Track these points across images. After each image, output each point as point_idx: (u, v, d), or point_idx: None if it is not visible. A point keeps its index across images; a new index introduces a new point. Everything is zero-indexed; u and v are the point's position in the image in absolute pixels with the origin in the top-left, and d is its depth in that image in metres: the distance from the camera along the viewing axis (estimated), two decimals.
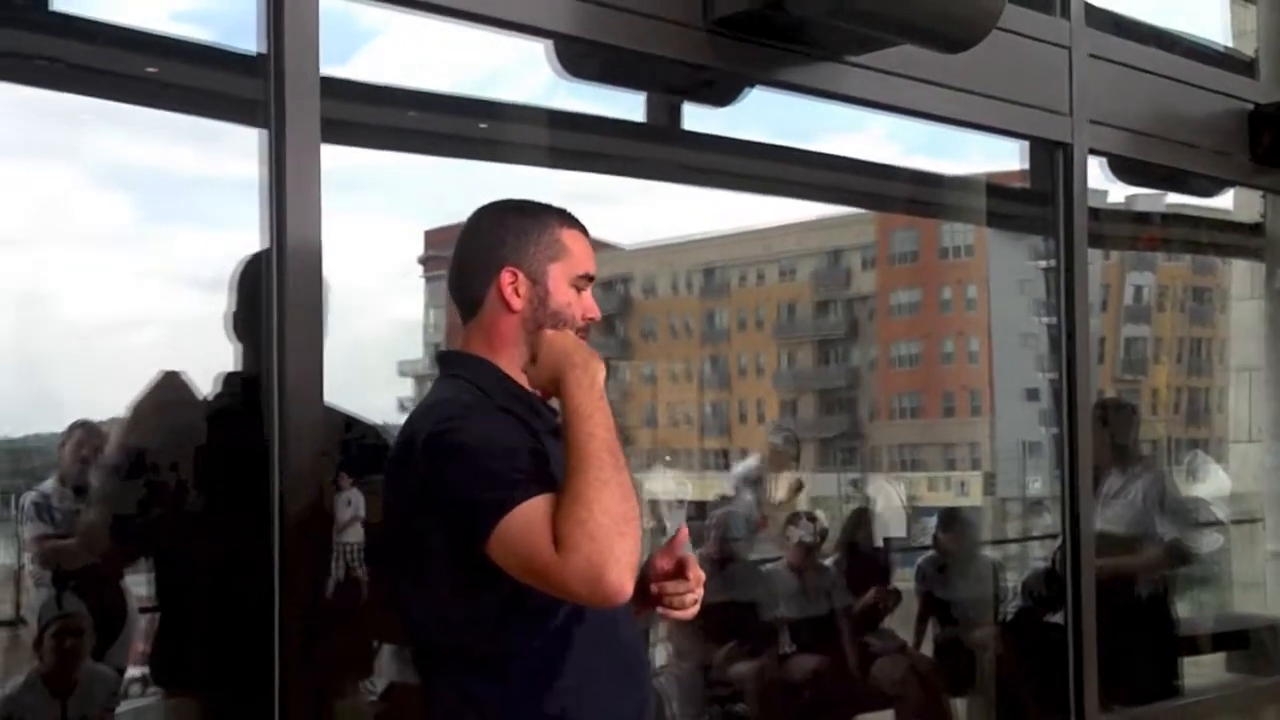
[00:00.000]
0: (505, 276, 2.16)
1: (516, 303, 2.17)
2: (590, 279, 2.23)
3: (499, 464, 1.96)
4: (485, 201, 2.28)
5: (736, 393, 29.62)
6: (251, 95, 2.61)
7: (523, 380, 2.18)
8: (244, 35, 2.68)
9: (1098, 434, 5.08)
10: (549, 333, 2.14)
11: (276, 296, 2.51)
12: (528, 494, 1.93)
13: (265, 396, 2.52)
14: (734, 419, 29.94)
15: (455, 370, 2.19)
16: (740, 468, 7.34)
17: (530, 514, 1.92)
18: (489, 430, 2.01)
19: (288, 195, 2.51)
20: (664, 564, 2.20)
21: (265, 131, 2.55)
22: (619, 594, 1.89)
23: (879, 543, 6.36)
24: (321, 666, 2.55)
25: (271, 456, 2.48)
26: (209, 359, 2.92)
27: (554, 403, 2.14)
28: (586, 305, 2.22)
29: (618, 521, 1.89)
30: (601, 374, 2.06)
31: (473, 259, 2.22)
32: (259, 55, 2.58)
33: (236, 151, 2.79)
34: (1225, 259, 8.88)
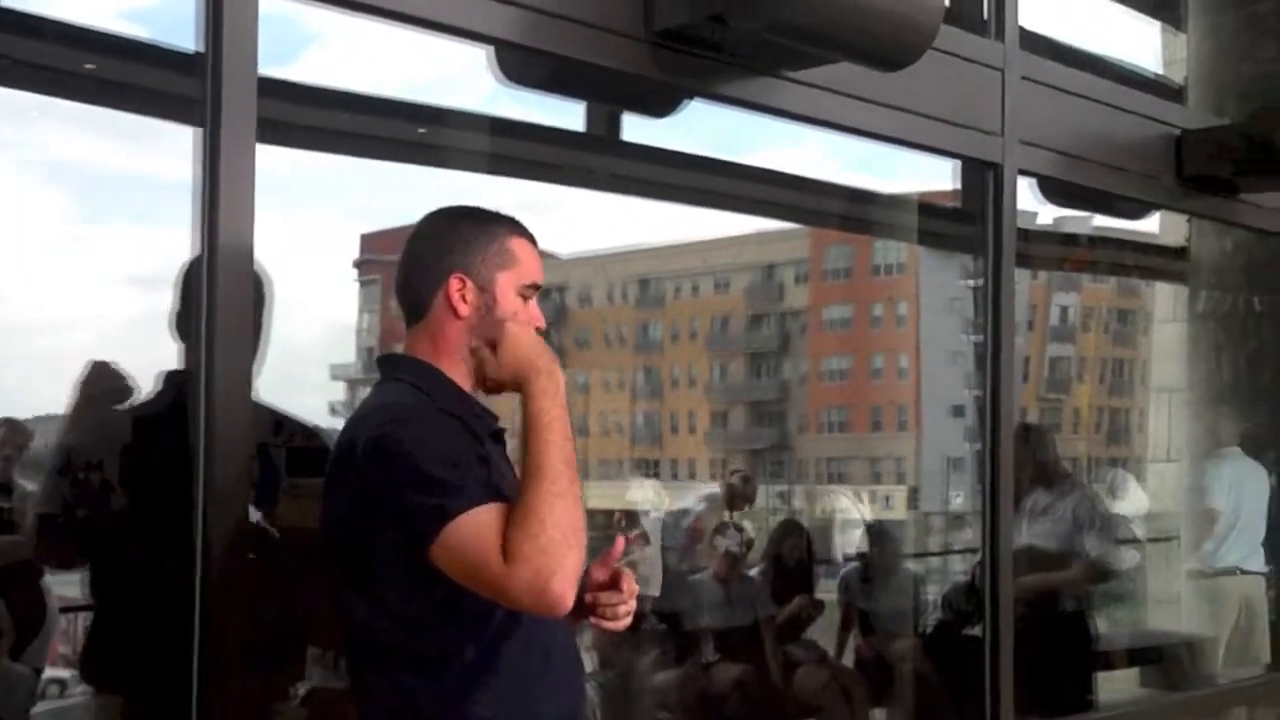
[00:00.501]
0: (453, 283, 2.17)
1: (463, 309, 2.17)
2: (537, 288, 2.24)
3: (443, 469, 1.96)
4: (423, 206, 2.29)
5: (669, 403, 29.71)
6: (189, 94, 2.59)
7: (466, 384, 2.19)
8: (183, 34, 2.67)
9: (1021, 452, 5.17)
10: (512, 326, 2.13)
11: (207, 296, 2.50)
12: (473, 501, 1.94)
13: (193, 395, 2.50)
14: (665, 429, 30.01)
15: (398, 373, 2.19)
16: (694, 501, 7.36)
17: (478, 523, 1.92)
18: (433, 434, 2.02)
19: (221, 194, 2.49)
20: (600, 575, 2.21)
21: (201, 130, 2.54)
22: (562, 606, 1.91)
23: (808, 555, 6.40)
24: (245, 669, 2.53)
25: (197, 456, 2.46)
26: (142, 356, 2.90)
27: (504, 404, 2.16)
28: (532, 314, 2.22)
29: (568, 535, 1.91)
30: (563, 380, 2.07)
31: (421, 263, 2.21)
32: (197, 54, 2.57)
33: (173, 150, 2.78)
34: (1149, 282, 9.05)
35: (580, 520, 1.95)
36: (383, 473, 1.99)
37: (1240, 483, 6.34)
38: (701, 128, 4.27)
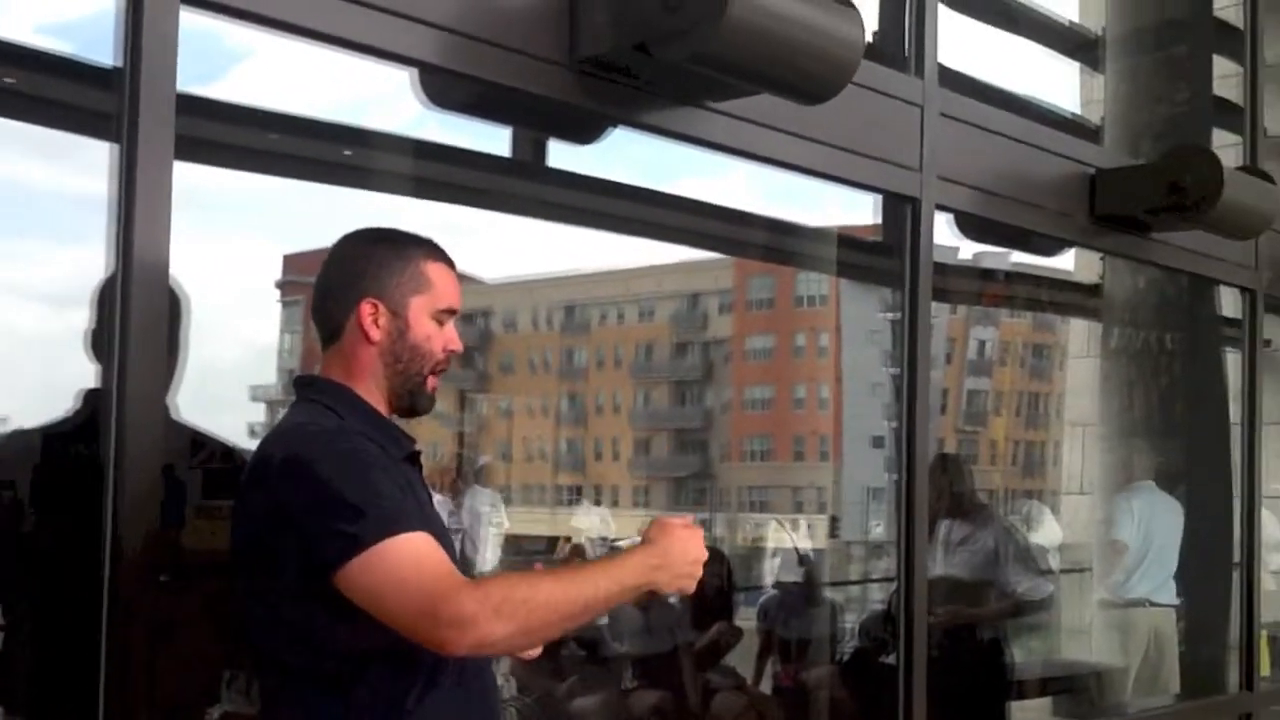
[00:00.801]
0: (365, 308, 2.17)
1: (375, 334, 2.17)
2: (453, 312, 2.24)
3: (358, 495, 1.95)
4: (348, 229, 2.29)
5: (593, 430, 29.69)
6: (107, 109, 2.57)
7: (381, 407, 2.19)
8: (102, 48, 2.65)
9: (937, 482, 5.23)
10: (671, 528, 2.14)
11: (120, 313, 2.47)
12: (398, 528, 1.93)
13: (104, 414, 2.47)
14: (589, 455, 29.97)
15: (313, 395, 2.19)
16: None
17: (410, 550, 1.93)
18: (347, 458, 2.01)
19: (137, 211, 2.47)
20: None
21: (117, 146, 2.51)
22: (453, 653, 1.95)
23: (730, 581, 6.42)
24: (154, 691, 2.50)
25: (106, 474, 2.43)
26: (53, 375, 2.86)
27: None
28: (448, 338, 2.23)
29: (533, 632, 1.98)
30: (676, 587, 2.12)
31: (335, 287, 2.21)
32: (114, 69, 2.54)
33: (89, 166, 2.75)
34: (1064, 318, 9.21)
35: (548, 636, 2.02)
36: (295, 491, 1.98)
37: (1151, 516, 6.44)
38: (627, 156, 4.30)
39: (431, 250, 2.24)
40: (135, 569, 2.42)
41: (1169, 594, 6.38)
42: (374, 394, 2.18)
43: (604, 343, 29.21)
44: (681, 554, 2.11)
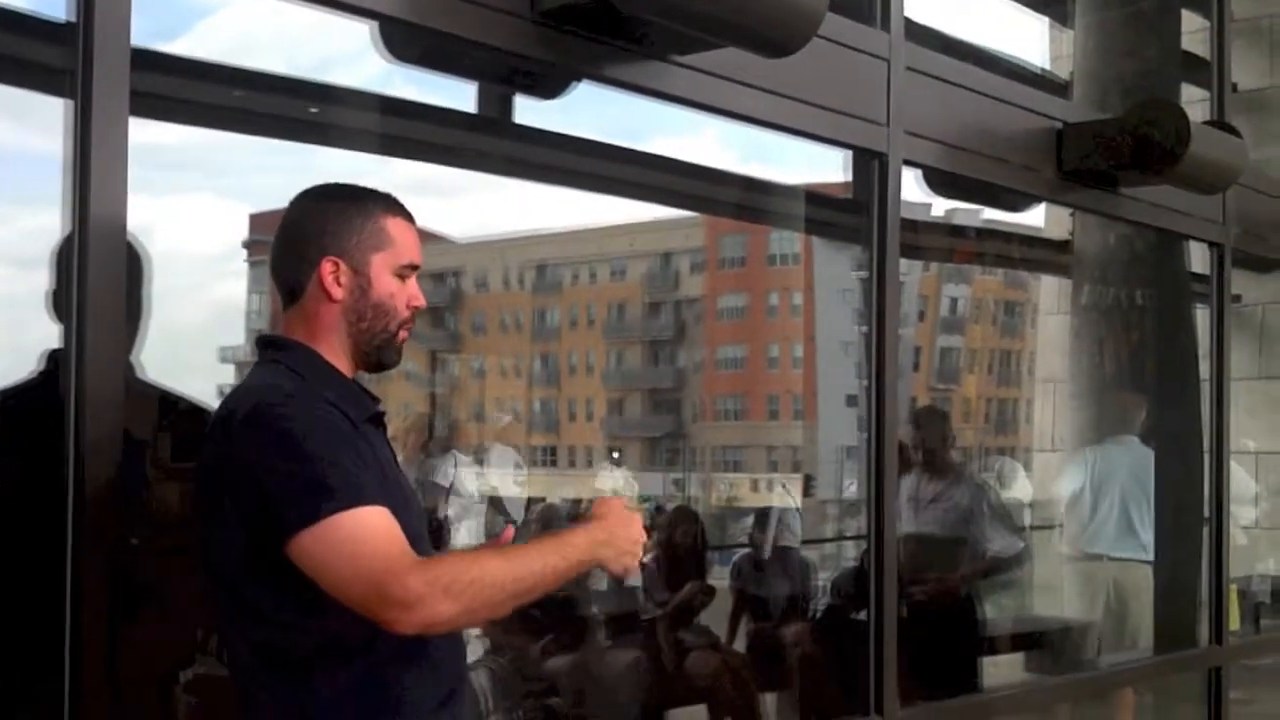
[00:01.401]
0: (326, 266, 2.14)
1: (337, 292, 2.14)
2: (415, 268, 2.21)
3: (317, 464, 1.93)
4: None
5: (565, 390, 29.69)
6: (60, 64, 2.53)
7: (344, 367, 2.16)
8: (55, 1, 2.60)
9: (912, 438, 5.25)
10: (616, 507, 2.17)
11: (78, 273, 2.44)
12: (356, 501, 1.92)
13: (64, 377, 2.44)
14: (563, 416, 29.98)
15: (275, 356, 2.15)
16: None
17: (365, 523, 1.91)
18: (309, 425, 1.98)
19: (93, 169, 2.43)
20: None
21: (72, 102, 2.47)
22: (400, 631, 1.93)
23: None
24: (123, 654, 2.48)
25: (67, 439, 2.40)
26: (19, 337, 2.82)
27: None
28: (411, 294, 2.20)
29: (477, 609, 1.97)
30: (620, 564, 2.13)
31: (294, 246, 2.18)
32: (67, 22, 2.50)
33: (51, 123, 2.71)
34: (1036, 274, 9.24)
35: (495, 614, 2.02)
36: (254, 455, 1.96)
37: (1108, 471, 6.43)
38: (601, 115, 4.27)
39: (390, 205, 2.21)
40: (100, 531, 2.40)
41: (1131, 549, 6.36)
42: (337, 353, 2.16)
43: (576, 302, 29.18)
44: (626, 532, 2.12)
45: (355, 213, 2.17)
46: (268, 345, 2.20)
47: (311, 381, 2.08)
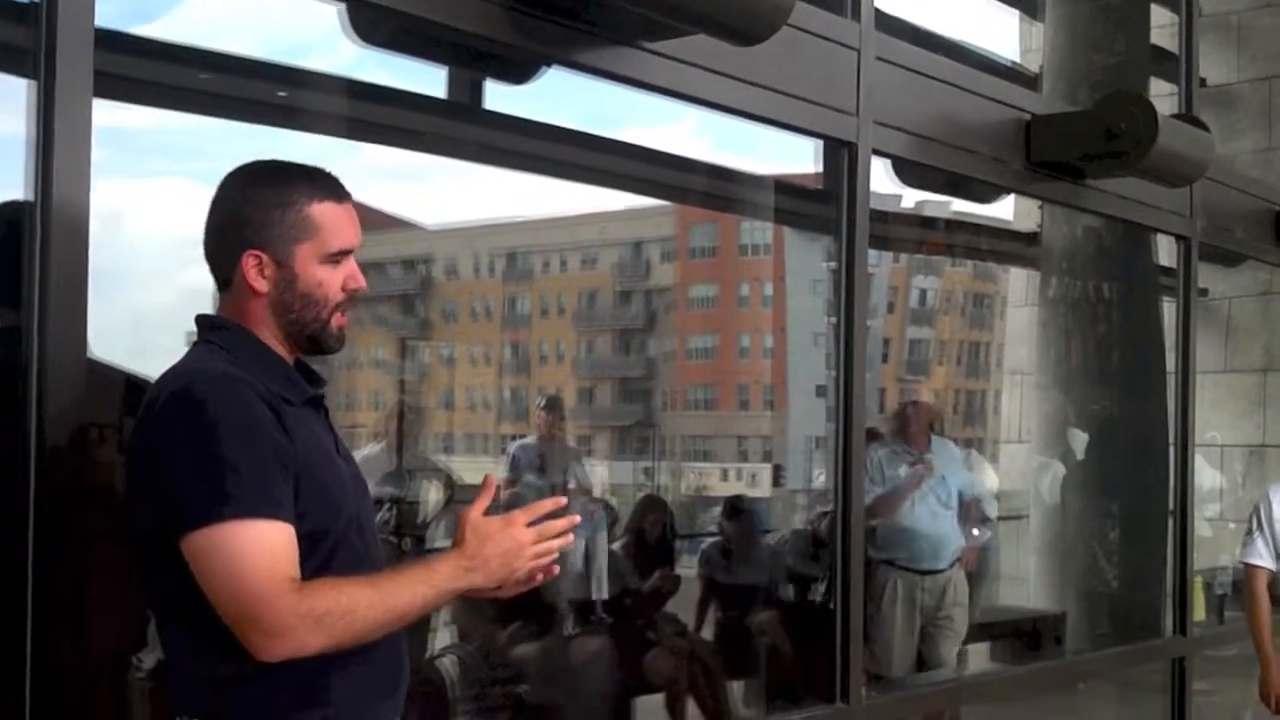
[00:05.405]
0: (249, 260, 2.06)
1: (262, 285, 2.07)
2: (348, 252, 2.12)
3: (222, 464, 1.88)
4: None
5: (536, 379, 29.60)
6: (24, 45, 2.50)
7: (282, 351, 2.11)
8: None
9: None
10: (477, 523, 2.07)
11: (40, 255, 2.41)
12: (257, 513, 1.88)
13: (24, 362, 2.42)
14: (532, 405, 29.89)
15: (209, 336, 2.10)
16: None
17: (260, 537, 1.88)
18: (225, 418, 1.91)
19: (55, 149, 2.41)
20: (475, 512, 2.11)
21: (34, 83, 2.45)
22: (264, 658, 1.90)
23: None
24: (79, 638, 2.46)
25: (28, 422, 2.38)
26: None
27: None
28: (348, 275, 2.11)
29: (345, 639, 1.93)
30: (498, 582, 2.06)
31: (219, 235, 2.11)
32: (31, 2, 2.48)
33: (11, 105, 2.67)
34: (1004, 266, 9.28)
35: (360, 642, 1.96)
36: (168, 443, 1.92)
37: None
38: (574, 104, 4.25)
39: (318, 189, 2.10)
40: (59, 513, 2.38)
41: (918, 557, 5.73)
42: (273, 339, 2.10)
43: (547, 291, 29.10)
44: (494, 551, 2.04)
45: (277, 202, 2.07)
46: (205, 325, 2.13)
47: (245, 364, 2.02)
